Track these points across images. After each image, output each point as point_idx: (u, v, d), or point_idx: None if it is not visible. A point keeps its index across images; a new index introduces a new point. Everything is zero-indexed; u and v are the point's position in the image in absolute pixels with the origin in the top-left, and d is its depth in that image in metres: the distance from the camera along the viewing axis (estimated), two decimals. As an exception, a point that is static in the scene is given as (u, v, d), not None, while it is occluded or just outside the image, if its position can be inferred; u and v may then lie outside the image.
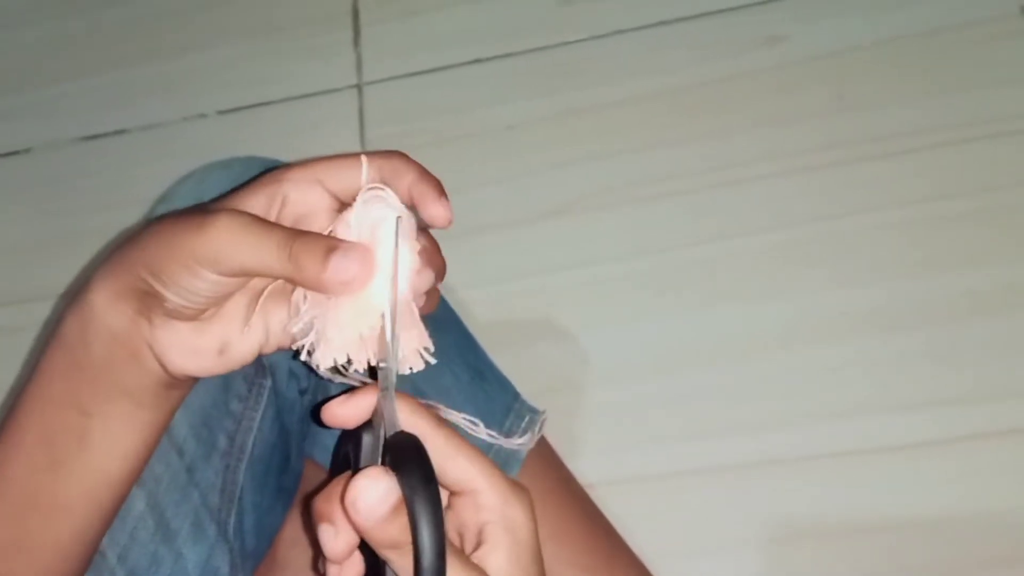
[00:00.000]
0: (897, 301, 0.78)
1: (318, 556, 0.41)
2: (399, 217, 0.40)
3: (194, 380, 0.44)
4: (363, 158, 0.42)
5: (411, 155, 0.43)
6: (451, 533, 0.40)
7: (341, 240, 0.39)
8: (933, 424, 0.74)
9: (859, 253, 0.80)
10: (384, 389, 0.39)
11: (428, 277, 0.41)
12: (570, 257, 0.83)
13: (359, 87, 0.92)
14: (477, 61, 0.91)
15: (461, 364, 0.61)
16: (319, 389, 0.58)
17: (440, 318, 0.63)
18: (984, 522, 0.72)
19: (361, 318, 0.39)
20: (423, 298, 0.42)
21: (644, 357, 0.80)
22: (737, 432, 0.76)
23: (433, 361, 0.42)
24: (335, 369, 0.41)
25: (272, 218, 0.41)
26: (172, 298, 0.40)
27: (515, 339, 0.80)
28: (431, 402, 0.50)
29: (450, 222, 0.42)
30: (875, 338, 0.77)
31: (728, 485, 0.75)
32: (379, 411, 0.40)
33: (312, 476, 0.62)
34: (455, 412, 0.48)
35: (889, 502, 0.73)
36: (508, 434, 0.61)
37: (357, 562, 0.40)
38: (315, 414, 0.46)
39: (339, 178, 0.42)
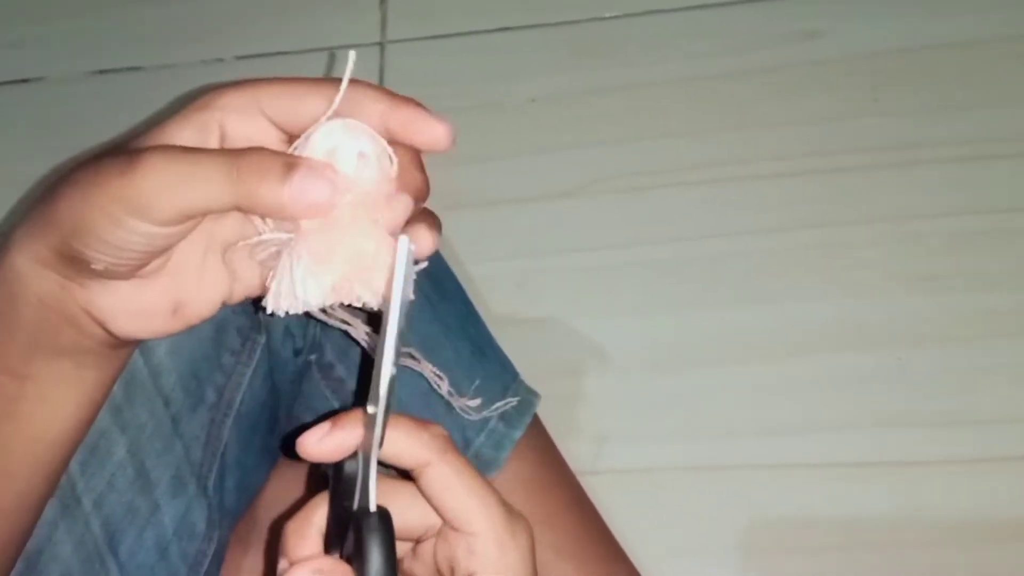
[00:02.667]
0: (907, 315, 0.76)
1: None
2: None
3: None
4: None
5: None
6: (439, 560, 0.37)
7: (298, 156, 0.33)
8: (927, 443, 0.73)
9: (875, 263, 0.78)
10: (369, 436, 0.34)
11: (403, 204, 0.35)
12: (581, 240, 0.82)
13: (382, 45, 0.90)
14: (505, 29, 0.89)
15: (463, 338, 0.59)
16: (314, 349, 0.56)
17: (446, 289, 0.62)
18: (971, 536, 0.71)
19: (334, 258, 0.34)
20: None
21: (646, 348, 0.78)
22: (732, 433, 0.75)
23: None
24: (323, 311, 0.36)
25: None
26: (99, 258, 0.33)
27: (519, 318, 0.79)
28: (409, 349, 0.48)
29: (452, 142, 0.35)
30: (883, 350, 0.76)
31: (718, 485, 0.74)
32: (364, 441, 0.35)
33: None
34: (427, 363, 0.46)
35: (878, 515, 0.72)
36: (504, 415, 0.59)
37: None
38: (286, 445, 0.42)
39: (285, 106, 0.35)
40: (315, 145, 0.34)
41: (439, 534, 0.37)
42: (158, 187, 0.32)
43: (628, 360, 0.78)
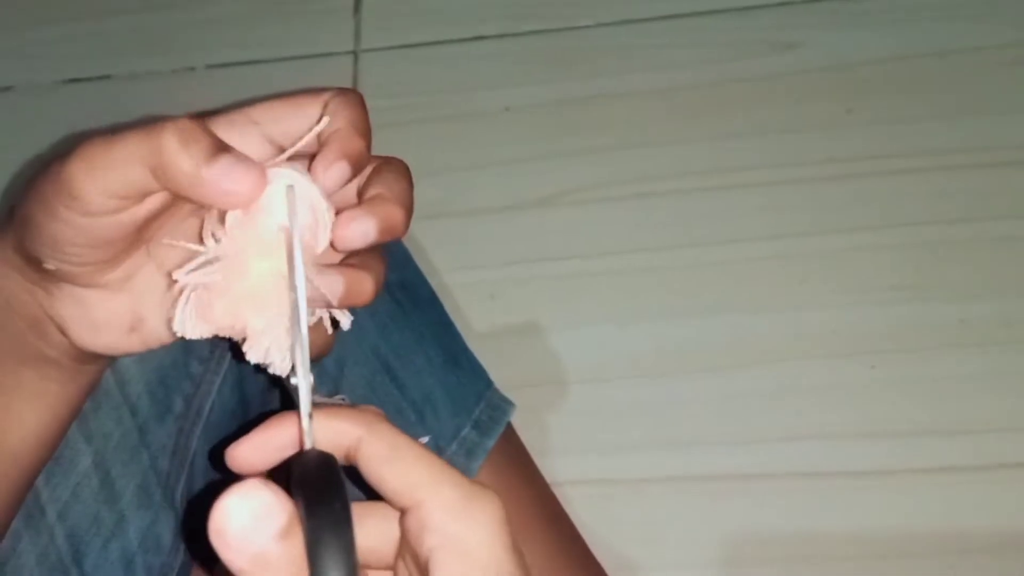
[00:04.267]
0: (882, 324, 0.76)
1: None
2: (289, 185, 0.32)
3: (112, 357, 0.38)
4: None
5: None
6: (411, 569, 0.31)
7: (231, 146, 0.32)
8: (904, 452, 0.73)
9: (852, 272, 0.78)
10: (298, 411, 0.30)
11: (339, 171, 0.33)
12: (556, 249, 0.81)
13: (355, 54, 0.90)
14: (479, 38, 0.89)
15: (436, 346, 0.59)
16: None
17: (420, 297, 0.61)
18: (948, 546, 0.70)
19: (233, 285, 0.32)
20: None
21: (620, 358, 0.78)
22: (709, 443, 0.75)
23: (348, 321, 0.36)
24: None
25: None
26: (45, 253, 0.33)
27: (494, 328, 0.78)
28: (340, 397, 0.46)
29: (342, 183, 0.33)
30: (859, 361, 0.76)
31: (695, 496, 0.74)
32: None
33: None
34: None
35: (858, 526, 0.72)
36: (477, 423, 0.58)
37: None
38: (214, 456, 0.39)
39: (281, 122, 0.35)
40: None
41: (401, 540, 0.31)
42: (81, 171, 0.31)
43: (602, 370, 0.78)
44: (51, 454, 0.41)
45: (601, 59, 0.87)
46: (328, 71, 0.89)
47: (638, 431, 0.76)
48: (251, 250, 0.32)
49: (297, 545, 0.26)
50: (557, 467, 0.70)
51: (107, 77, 0.91)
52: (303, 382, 0.30)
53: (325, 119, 0.34)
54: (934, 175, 0.80)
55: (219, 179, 0.31)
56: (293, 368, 0.31)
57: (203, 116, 0.34)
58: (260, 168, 0.32)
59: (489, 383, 0.62)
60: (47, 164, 0.33)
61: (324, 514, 0.26)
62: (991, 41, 0.84)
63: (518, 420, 0.62)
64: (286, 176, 0.32)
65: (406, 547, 0.31)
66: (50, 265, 0.33)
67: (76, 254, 0.33)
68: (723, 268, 0.79)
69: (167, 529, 0.51)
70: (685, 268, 0.80)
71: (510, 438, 0.62)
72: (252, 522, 0.25)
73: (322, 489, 0.26)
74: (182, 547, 0.51)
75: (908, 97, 0.82)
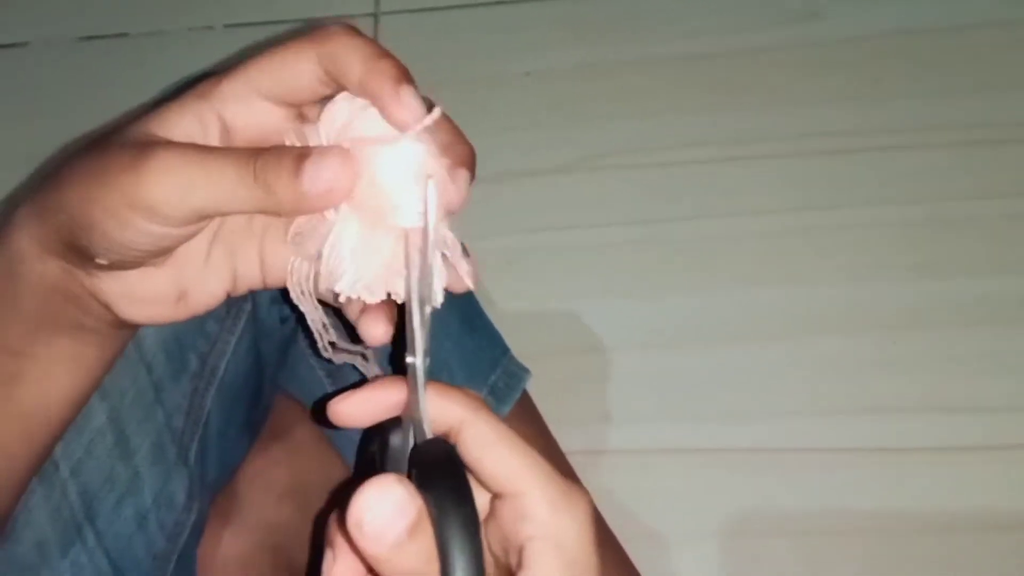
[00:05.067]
0: (905, 300, 0.76)
1: None
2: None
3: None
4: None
5: (422, 94, 0.33)
6: (494, 548, 0.33)
7: (310, 147, 0.32)
8: (927, 430, 0.72)
9: (873, 246, 0.77)
10: (413, 388, 0.32)
11: (463, 179, 0.33)
12: (575, 217, 0.81)
13: (375, 16, 0.89)
14: (501, 3, 0.88)
15: (454, 311, 0.58)
16: (303, 319, 0.55)
17: (436, 261, 0.61)
18: (969, 525, 0.70)
19: (373, 242, 0.32)
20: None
21: (640, 328, 0.78)
22: (724, 417, 0.75)
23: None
24: (333, 345, 0.35)
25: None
26: (105, 254, 0.33)
27: (510, 295, 0.78)
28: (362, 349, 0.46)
29: (414, 124, 0.32)
30: (878, 337, 0.75)
31: (710, 468, 0.74)
32: (408, 406, 0.33)
33: (284, 410, 0.59)
34: (375, 365, 0.41)
35: (872, 501, 0.71)
36: (494, 389, 0.58)
37: None
38: (318, 411, 0.39)
39: (280, 82, 0.33)
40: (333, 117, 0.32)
41: (489, 517, 0.33)
42: (169, 189, 0.31)
43: (620, 340, 0.77)
44: (77, 413, 0.41)
45: (624, 26, 0.86)
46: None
47: (654, 402, 0.75)
48: (372, 217, 0.32)
49: (426, 538, 0.28)
50: (572, 436, 0.69)
51: (124, 35, 0.91)
52: (420, 364, 0.31)
53: (436, 110, 0.32)
54: (957, 150, 0.79)
55: (314, 188, 0.31)
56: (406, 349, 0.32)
57: (212, 79, 0.33)
58: (339, 152, 0.31)
59: (506, 350, 0.61)
60: (94, 160, 0.32)
61: (456, 516, 0.28)
62: (1018, 14, 0.82)
63: (533, 388, 0.62)
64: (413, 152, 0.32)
65: (494, 528, 0.32)
66: (104, 260, 0.33)
67: (142, 255, 0.33)
68: (744, 239, 0.79)
69: (180, 487, 0.51)
70: (704, 239, 0.79)
71: (526, 405, 0.62)
72: (388, 517, 0.28)
73: (454, 489, 0.29)
74: (195, 505, 0.51)
75: (933, 70, 0.81)
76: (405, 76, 0.32)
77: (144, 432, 0.49)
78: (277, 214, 0.33)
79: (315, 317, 0.36)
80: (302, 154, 0.31)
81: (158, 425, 0.50)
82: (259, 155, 0.31)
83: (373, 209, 0.32)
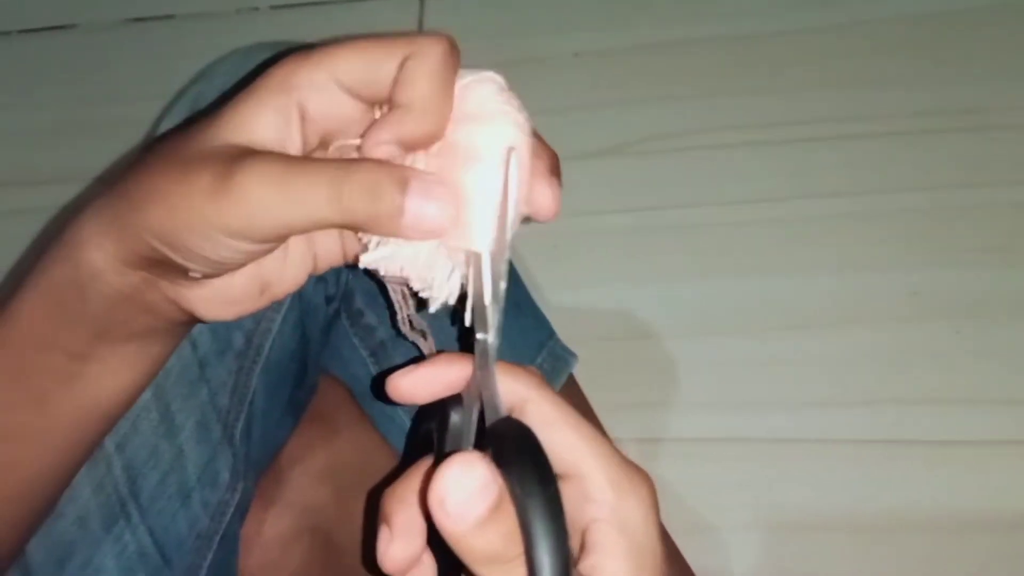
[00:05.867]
0: (970, 288, 0.74)
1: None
2: (510, 148, 0.30)
3: None
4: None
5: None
6: None
7: (412, 169, 0.31)
8: (972, 423, 0.71)
9: (935, 232, 0.76)
10: (482, 366, 0.31)
11: (556, 190, 0.33)
12: (622, 201, 0.80)
13: (422, -3, 0.89)
14: (548, -17, 0.87)
15: (499, 293, 0.57)
16: (346, 296, 0.55)
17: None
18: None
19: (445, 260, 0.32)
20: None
21: (689, 314, 0.77)
22: (763, 407, 0.74)
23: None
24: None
25: (294, 141, 0.32)
26: (195, 267, 0.33)
27: (556, 279, 0.77)
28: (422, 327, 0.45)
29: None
30: (943, 326, 0.74)
31: (749, 458, 0.73)
32: (471, 384, 0.32)
33: (327, 392, 0.59)
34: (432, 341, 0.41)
35: (913, 495, 0.70)
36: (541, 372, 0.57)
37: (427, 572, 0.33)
38: (377, 385, 0.38)
39: (362, 76, 0.31)
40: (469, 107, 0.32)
41: None
42: (257, 210, 0.30)
43: (668, 326, 0.77)
44: (133, 404, 0.41)
45: (672, 6, 0.85)
46: (394, 14, 0.88)
47: (702, 390, 0.75)
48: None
49: (508, 519, 0.28)
50: (621, 423, 0.69)
51: (171, 17, 0.92)
52: (493, 340, 0.31)
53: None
54: (1015, 133, 0.77)
55: (417, 225, 0.30)
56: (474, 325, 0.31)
57: (288, 65, 0.32)
58: (448, 190, 0.30)
59: (552, 333, 0.61)
60: (172, 173, 0.31)
61: (541, 496, 0.27)
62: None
63: (578, 373, 0.61)
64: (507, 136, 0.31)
65: None
66: (196, 274, 0.33)
67: (233, 267, 0.33)
68: (789, 225, 0.78)
69: (225, 466, 0.50)
70: (756, 223, 0.78)
71: (572, 390, 0.62)
72: (471, 496, 0.27)
73: (537, 469, 0.28)
74: (239, 485, 0.51)
75: (995, 50, 0.80)
76: (557, 167, 0.33)
77: (188, 409, 0.49)
78: (367, 232, 0.32)
79: (397, 290, 0.36)
80: (404, 177, 0.30)
81: (202, 403, 0.49)
82: (351, 174, 0.30)
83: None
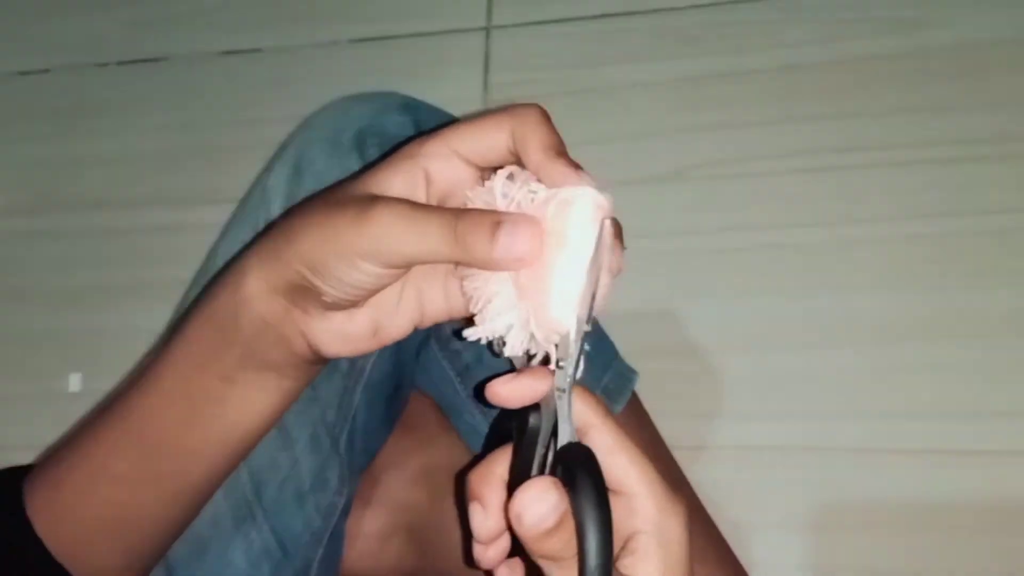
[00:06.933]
0: (1007, 308, 0.77)
1: (469, 538, 0.42)
2: (605, 220, 0.37)
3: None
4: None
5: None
6: None
7: (505, 213, 0.38)
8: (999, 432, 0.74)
9: (982, 253, 0.78)
10: (560, 390, 0.38)
11: (621, 251, 0.39)
12: (679, 223, 0.83)
13: (487, 30, 0.93)
14: (605, 16, 0.91)
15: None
16: (437, 325, 0.61)
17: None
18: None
19: (541, 298, 0.37)
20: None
21: (736, 331, 0.80)
22: (819, 417, 0.77)
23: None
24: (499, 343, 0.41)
25: (420, 197, 0.40)
26: (331, 292, 0.40)
27: (614, 300, 0.81)
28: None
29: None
30: (991, 341, 0.77)
31: (801, 466, 0.77)
32: (549, 396, 0.39)
33: (417, 405, 0.66)
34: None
35: (973, 502, 0.73)
36: (606, 390, 0.63)
37: (505, 542, 0.41)
38: (478, 390, 0.46)
39: (476, 146, 0.40)
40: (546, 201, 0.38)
41: None
42: (386, 240, 0.37)
43: (715, 340, 0.80)
44: (269, 430, 0.47)
45: (725, 36, 0.88)
46: (462, 47, 0.92)
47: (752, 401, 0.78)
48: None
49: (567, 531, 0.35)
50: (674, 432, 0.73)
51: (258, 50, 0.97)
52: (570, 373, 0.38)
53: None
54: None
55: (505, 254, 0.37)
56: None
57: (417, 141, 0.40)
58: (529, 223, 0.37)
59: (616, 353, 0.66)
60: (321, 215, 0.39)
61: (595, 517, 0.35)
62: None
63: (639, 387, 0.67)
64: (592, 198, 0.37)
65: None
66: (329, 298, 0.40)
67: (361, 293, 0.40)
68: (843, 247, 0.80)
69: (334, 473, 0.57)
70: (808, 246, 0.81)
71: (633, 403, 0.67)
72: (542, 514, 0.35)
73: (595, 493, 0.35)
74: (345, 488, 0.58)
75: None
76: (580, 171, 0.38)
77: (302, 425, 0.55)
78: (470, 266, 0.39)
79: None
80: (496, 219, 0.37)
81: (314, 419, 0.56)
82: (461, 217, 0.37)
83: (535, 290, 0.38)
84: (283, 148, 0.60)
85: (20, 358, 0.91)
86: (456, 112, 0.63)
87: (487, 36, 0.93)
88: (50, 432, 0.75)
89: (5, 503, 0.48)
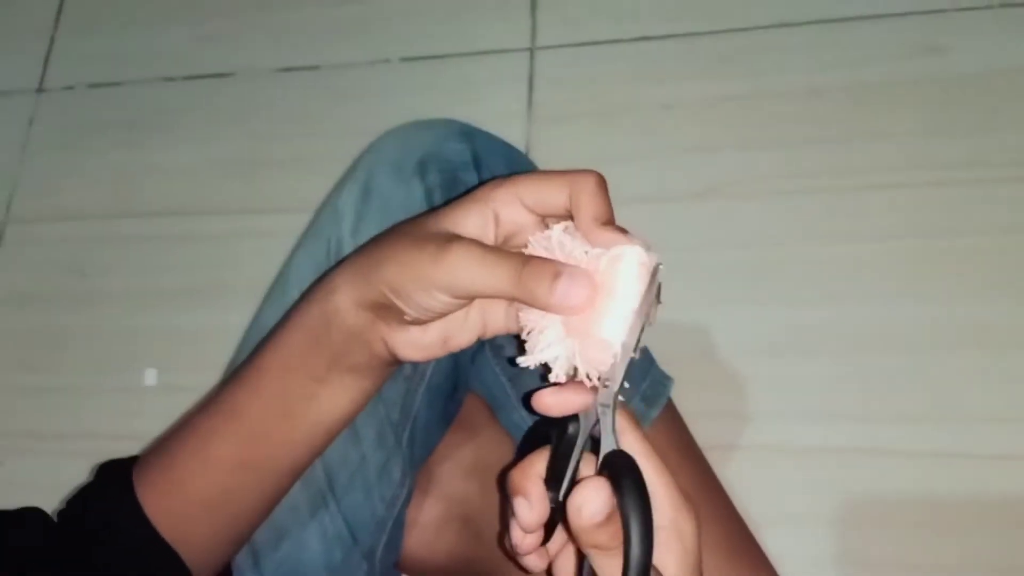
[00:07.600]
0: (1009, 320, 0.80)
1: (506, 529, 0.46)
2: (657, 264, 0.42)
3: None
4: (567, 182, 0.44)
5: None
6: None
7: (566, 265, 0.43)
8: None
9: (1003, 271, 0.81)
10: (604, 405, 0.43)
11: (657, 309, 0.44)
12: (710, 238, 0.87)
13: (531, 51, 0.97)
14: (644, 38, 0.95)
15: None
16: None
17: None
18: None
19: (588, 343, 0.42)
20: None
21: (763, 340, 0.83)
22: (847, 419, 0.80)
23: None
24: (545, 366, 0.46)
25: (489, 236, 0.46)
26: (410, 312, 0.46)
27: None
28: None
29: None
30: (994, 352, 0.79)
31: (827, 466, 0.79)
32: (590, 408, 0.44)
33: (471, 405, 0.71)
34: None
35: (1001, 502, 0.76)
36: (644, 396, 0.68)
37: (540, 532, 0.46)
38: (526, 397, 0.51)
39: (539, 198, 0.45)
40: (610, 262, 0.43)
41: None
42: (459, 277, 0.43)
43: (743, 345, 0.83)
44: (347, 426, 0.53)
45: (755, 60, 0.92)
46: (507, 66, 0.97)
47: (780, 404, 0.82)
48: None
49: (615, 524, 0.40)
50: (705, 432, 0.76)
51: (316, 67, 1.02)
52: (615, 389, 0.43)
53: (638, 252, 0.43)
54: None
55: (562, 302, 0.42)
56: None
57: (489, 186, 0.46)
58: (585, 278, 0.42)
59: (652, 360, 0.71)
60: (406, 246, 0.45)
61: (638, 516, 0.40)
62: None
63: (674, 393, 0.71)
64: (638, 255, 0.43)
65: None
66: (409, 317, 0.46)
67: (434, 315, 0.46)
68: (869, 263, 0.83)
69: (397, 467, 0.62)
70: (832, 259, 0.84)
71: (669, 409, 0.71)
72: (598, 508, 0.40)
73: (639, 495, 0.40)
74: (407, 481, 0.63)
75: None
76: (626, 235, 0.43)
77: (369, 423, 0.61)
78: (531, 307, 0.44)
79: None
80: (557, 271, 0.42)
81: (380, 418, 0.61)
82: (527, 264, 0.43)
83: (583, 331, 0.43)
84: (352, 170, 0.65)
85: (101, 353, 0.96)
86: (502, 128, 0.68)
87: (531, 56, 0.97)
88: (127, 421, 0.81)
89: (117, 487, 0.54)
